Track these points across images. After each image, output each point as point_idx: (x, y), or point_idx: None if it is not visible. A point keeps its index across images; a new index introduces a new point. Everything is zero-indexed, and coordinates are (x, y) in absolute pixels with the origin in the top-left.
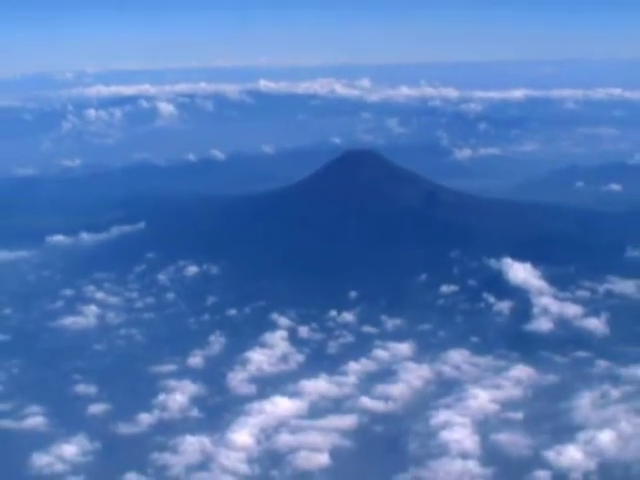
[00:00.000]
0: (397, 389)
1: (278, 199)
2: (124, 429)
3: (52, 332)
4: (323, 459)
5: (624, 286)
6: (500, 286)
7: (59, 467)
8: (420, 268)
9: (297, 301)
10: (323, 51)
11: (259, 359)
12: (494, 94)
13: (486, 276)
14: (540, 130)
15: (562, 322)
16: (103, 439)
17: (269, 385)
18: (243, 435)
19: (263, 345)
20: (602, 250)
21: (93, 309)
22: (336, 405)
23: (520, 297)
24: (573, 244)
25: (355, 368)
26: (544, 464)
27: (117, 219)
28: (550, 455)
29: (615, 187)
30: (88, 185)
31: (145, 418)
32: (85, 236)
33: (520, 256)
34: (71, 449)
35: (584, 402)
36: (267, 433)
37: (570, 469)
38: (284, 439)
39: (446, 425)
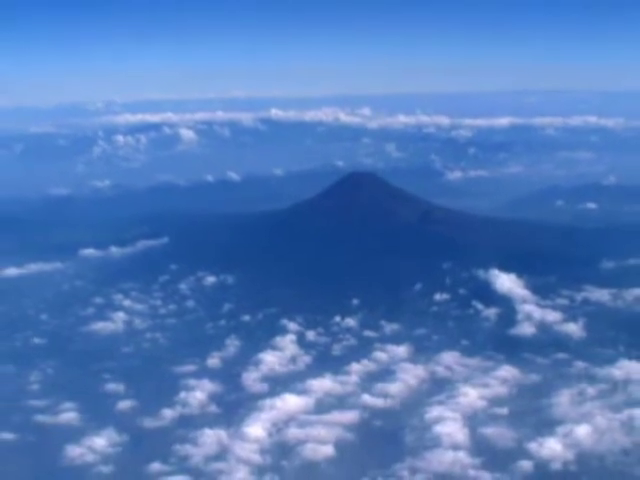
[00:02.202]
0: (395, 387)
1: (287, 216)
2: (149, 423)
3: (84, 336)
4: (328, 450)
5: (599, 294)
6: (488, 294)
7: (90, 457)
8: (416, 278)
9: (305, 308)
10: (328, 83)
11: (271, 360)
12: (482, 121)
13: (475, 285)
14: (524, 154)
15: (543, 327)
16: (130, 432)
17: (279, 384)
18: (256, 429)
19: (274, 348)
20: (580, 262)
21: (121, 315)
22: (340, 402)
23: (506, 304)
24: (554, 257)
25: (357, 368)
26: (527, 455)
27: (143, 234)
28: (532, 447)
29: (591, 205)
30: (116, 203)
31: (168, 413)
32: (114, 249)
33: (506, 267)
34: (101, 441)
35: (563, 399)
36: (278, 427)
37: (550, 459)
38: (293, 432)
39: (439, 420)
